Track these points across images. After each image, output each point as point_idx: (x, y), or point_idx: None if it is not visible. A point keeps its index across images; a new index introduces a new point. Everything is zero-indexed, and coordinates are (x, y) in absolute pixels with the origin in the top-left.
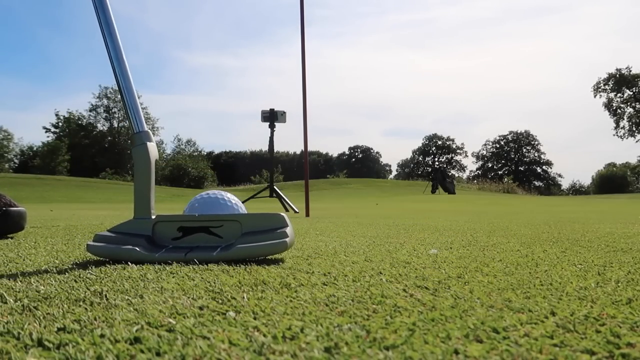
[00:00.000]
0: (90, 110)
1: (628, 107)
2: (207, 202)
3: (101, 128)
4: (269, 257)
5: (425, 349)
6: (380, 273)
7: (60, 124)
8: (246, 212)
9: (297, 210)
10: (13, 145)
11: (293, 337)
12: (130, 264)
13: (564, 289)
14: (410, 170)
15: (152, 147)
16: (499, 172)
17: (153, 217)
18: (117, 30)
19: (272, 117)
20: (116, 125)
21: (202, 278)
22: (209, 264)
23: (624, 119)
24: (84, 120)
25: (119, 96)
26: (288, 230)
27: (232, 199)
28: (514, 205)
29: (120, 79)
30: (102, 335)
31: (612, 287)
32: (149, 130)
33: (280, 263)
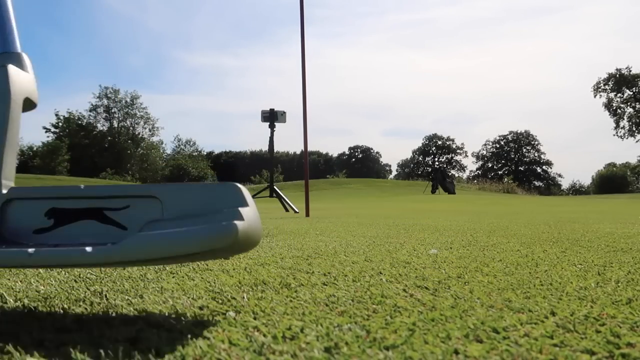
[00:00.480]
0: (90, 110)
1: (628, 107)
2: None
3: (101, 128)
4: (270, 257)
5: (425, 349)
6: (380, 273)
7: (60, 124)
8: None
9: (297, 210)
10: None
11: (293, 337)
12: None
13: (564, 289)
14: (410, 170)
15: (18, 75)
16: (499, 172)
17: (4, 191)
18: None
19: (272, 117)
20: (116, 125)
21: (202, 278)
22: (208, 264)
23: (624, 119)
24: (84, 120)
25: None
26: (246, 211)
27: None
28: (514, 205)
29: None
30: (101, 335)
31: (612, 287)
32: (24, 54)
33: (280, 263)
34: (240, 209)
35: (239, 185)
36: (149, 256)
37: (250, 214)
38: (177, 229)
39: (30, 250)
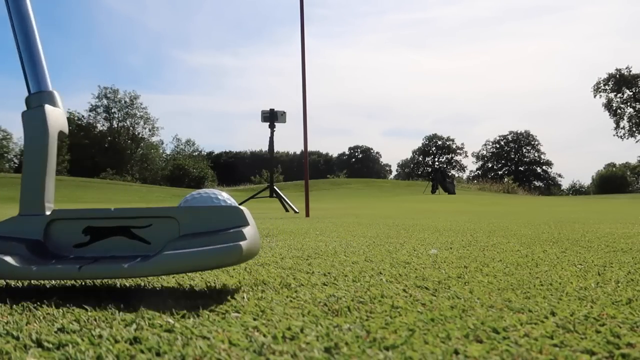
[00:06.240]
0: (89, 111)
1: (628, 108)
2: (198, 202)
3: (101, 128)
4: (270, 257)
5: (425, 349)
6: (380, 273)
7: None
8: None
9: (297, 211)
10: (13, 145)
11: (293, 337)
12: None
13: (564, 289)
14: (410, 170)
15: (54, 113)
16: (499, 172)
17: (47, 212)
18: None
19: (272, 117)
20: (116, 125)
21: (202, 278)
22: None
23: (624, 119)
24: (84, 121)
25: (16, 47)
26: (247, 230)
27: (229, 199)
28: (514, 205)
29: (14, 19)
30: (101, 336)
31: (612, 287)
32: (56, 92)
33: (280, 263)
34: (242, 229)
35: (244, 208)
36: (168, 271)
37: (252, 232)
38: (193, 248)
39: (77, 265)
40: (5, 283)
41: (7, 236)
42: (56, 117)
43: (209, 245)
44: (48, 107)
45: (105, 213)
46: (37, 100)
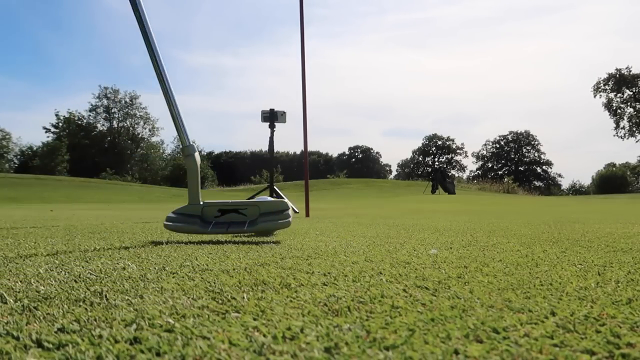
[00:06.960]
0: (90, 111)
1: (628, 107)
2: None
3: (101, 128)
4: (270, 257)
5: (425, 349)
6: (380, 273)
7: (60, 124)
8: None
9: (297, 210)
10: (12, 145)
11: (293, 337)
12: (130, 264)
13: (564, 289)
14: (410, 170)
15: (197, 156)
16: (499, 172)
17: (201, 202)
18: (158, 47)
19: (272, 117)
20: (116, 126)
21: (202, 278)
22: (208, 264)
23: (624, 119)
24: (84, 121)
25: (170, 114)
26: (290, 212)
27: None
28: (514, 205)
29: (170, 96)
30: (101, 336)
31: (612, 287)
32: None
33: (280, 263)
34: (288, 211)
35: (287, 200)
36: (263, 230)
37: (292, 213)
38: (271, 221)
39: (225, 227)
40: (4, 283)
41: (189, 213)
42: (199, 158)
43: (278, 219)
44: (196, 154)
45: (227, 204)
46: (192, 149)
